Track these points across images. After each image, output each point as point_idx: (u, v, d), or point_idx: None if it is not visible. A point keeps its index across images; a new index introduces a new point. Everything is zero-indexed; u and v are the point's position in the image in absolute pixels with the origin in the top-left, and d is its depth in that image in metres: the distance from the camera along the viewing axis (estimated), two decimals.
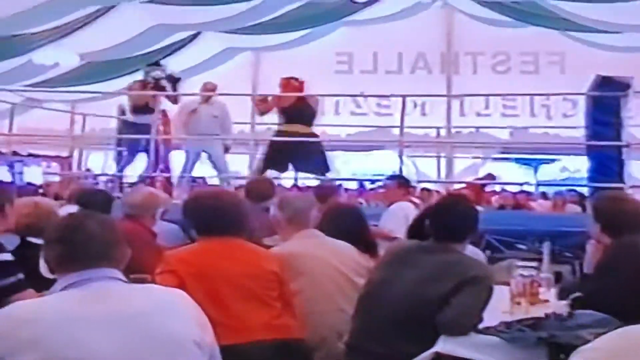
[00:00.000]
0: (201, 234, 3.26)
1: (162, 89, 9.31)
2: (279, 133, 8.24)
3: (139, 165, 9.37)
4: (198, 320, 2.14)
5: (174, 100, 9.35)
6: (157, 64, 9.95)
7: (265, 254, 3.34)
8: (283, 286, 3.25)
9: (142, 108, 9.18)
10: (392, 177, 6.95)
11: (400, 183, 6.64)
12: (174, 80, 9.51)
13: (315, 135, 8.30)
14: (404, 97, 8.42)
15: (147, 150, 8.82)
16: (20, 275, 3.05)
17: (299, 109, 8.16)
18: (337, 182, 8.84)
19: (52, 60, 13.71)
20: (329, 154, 8.55)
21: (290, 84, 8.38)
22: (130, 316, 2.01)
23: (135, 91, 9.47)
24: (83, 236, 2.12)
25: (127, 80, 11.39)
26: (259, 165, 8.25)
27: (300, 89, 8.37)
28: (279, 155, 8.09)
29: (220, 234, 3.19)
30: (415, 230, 3.37)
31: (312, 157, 8.07)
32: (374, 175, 15.90)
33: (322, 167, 8.19)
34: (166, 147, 9.56)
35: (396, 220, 5.72)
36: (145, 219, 4.41)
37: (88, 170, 12.16)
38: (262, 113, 8.58)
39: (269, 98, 8.65)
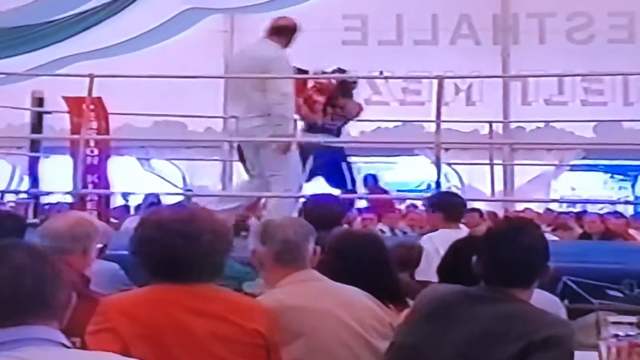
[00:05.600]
0: (155, 277, 3.17)
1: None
2: None
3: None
4: None
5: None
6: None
7: (248, 307, 3.28)
8: (272, 353, 3.22)
9: None
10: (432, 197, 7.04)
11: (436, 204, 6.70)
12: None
13: None
14: (440, 78, 8.50)
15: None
16: None
17: None
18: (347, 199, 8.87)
19: None
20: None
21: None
22: None
23: None
24: (8, 272, 2.06)
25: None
26: None
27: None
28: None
29: (184, 278, 3.11)
30: (448, 269, 3.33)
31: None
32: (399, 190, 15.93)
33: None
34: (101, 151, 9.54)
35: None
36: (74, 256, 4.39)
37: None
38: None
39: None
